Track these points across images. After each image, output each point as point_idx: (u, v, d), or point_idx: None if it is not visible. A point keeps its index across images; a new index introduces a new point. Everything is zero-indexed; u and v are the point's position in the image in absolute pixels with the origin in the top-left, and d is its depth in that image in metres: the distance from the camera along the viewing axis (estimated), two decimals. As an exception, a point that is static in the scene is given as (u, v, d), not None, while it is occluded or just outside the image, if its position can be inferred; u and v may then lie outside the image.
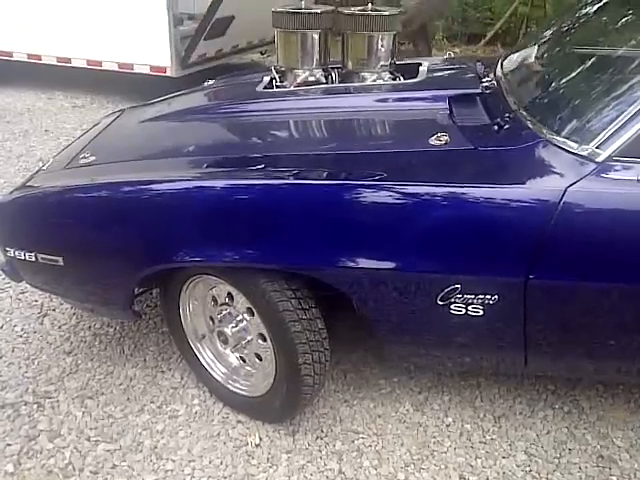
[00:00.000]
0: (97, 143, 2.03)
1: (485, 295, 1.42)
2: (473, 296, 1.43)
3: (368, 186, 1.45)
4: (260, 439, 1.73)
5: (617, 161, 1.33)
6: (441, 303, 1.45)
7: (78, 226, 1.69)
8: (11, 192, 1.84)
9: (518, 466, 1.66)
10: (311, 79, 2.19)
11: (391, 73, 2.18)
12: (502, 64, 2.01)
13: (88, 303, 1.93)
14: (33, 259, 1.71)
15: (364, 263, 1.46)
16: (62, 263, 1.68)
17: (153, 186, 1.60)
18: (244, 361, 1.78)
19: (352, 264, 1.46)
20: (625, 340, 1.50)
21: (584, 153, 1.36)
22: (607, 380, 1.90)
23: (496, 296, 1.42)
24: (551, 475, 1.63)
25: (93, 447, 1.70)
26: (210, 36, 4.50)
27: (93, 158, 1.86)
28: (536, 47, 2.15)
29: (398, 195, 1.45)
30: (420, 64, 2.20)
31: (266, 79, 2.22)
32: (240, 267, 1.55)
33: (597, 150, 1.34)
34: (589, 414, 1.82)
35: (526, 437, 1.75)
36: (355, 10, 2.14)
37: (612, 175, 1.33)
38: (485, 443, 1.73)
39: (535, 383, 1.93)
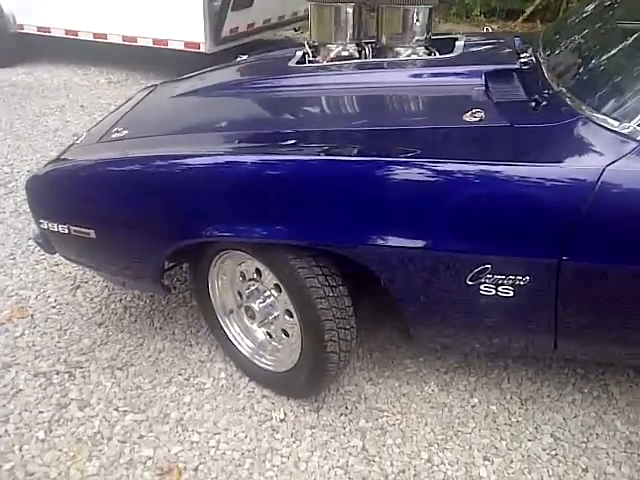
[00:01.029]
0: (129, 118, 2.04)
1: (516, 276, 1.39)
2: (504, 277, 1.40)
3: (399, 163, 1.43)
4: (285, 414, 1.74)
5: (659, 140, 1.28)
6: (470, 283, 1.43)
7: (109, 199, 1.70)
8: (45, 165, 1.87)
9: (544, 449, 1.64)
10: (344, 54, 2.15)
11: (426, 48, 2.13)
12: (541, 40, 1.94)
13: (119, 276, 1.95)
14: (66, 231, 1.74)
15: (394, 241, 1.44)
16: (94, 236, 1.70)
17: (183, 160, 1.61)
18: (270, 336, 1.79)
19: (382, 242, 1.44)
20: (660, 325, 1.46)
21: (625, 131, 1.31)
22: (638, 366, 1.85)
23: (527, 277, 1.39)
24: (577, 460, 1.61)
25: (121, 417, 1.74)
26: (237, 6, 4.45)
27: (125, 132, 1.87)
28: (576, 22, 2.08)
29: (430, 172, 1.42)
30: (456, 39, 2.15)
31: (299, 54, 2.20)
32: (268, 243, 1.55)
33: (639, 128, 1.29)
34: (619, 399, 1.79)
35: (553, 420, 1.72)
36: (390, -17, 2.10)
37: (655, 154, 1.28)
38: (511, 425, 1.71)
39: (564, 367, 1.90)
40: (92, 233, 1.70)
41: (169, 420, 1.73)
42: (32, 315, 2.14)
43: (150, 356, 1.96)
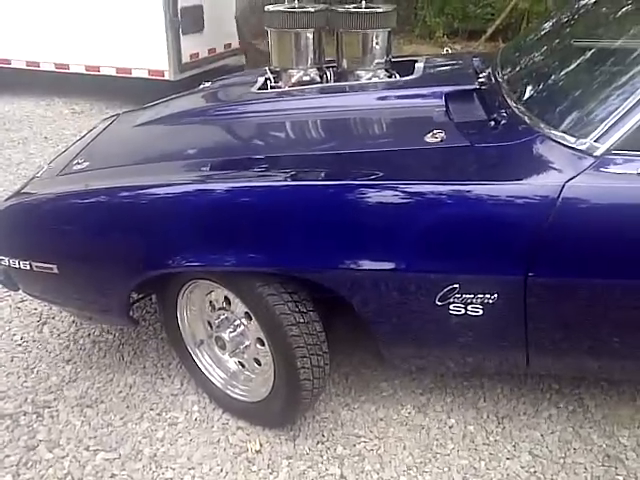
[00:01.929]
0: (91, 149, 2.01)
1: (484, 294, 1.40)
2: (472, 295, 1.40)
3: (364, 186, 1.43)
4: (260, 445, 1.71)
5: (616, 154, 1.31)
6: (440, 303, 1.43)
7: (72, 233, 1.67)
8: (5, 200, 1.83)
9: (522, 467, 1.63)
10: (306, 79, 2.17)
11: (387, 71, 2.15)
12: (499, 59, 1.98)
13: (85, 311, 1.91)
14: (28, 267, 1.69)
15: (362, 264, 1.43)
16: (57, 271, 1.66)
17: (149, 190, 1.59)
18: (243, 366, 1.76)
19: (350, 265, 1.43)
20: (628, 337, 1.47)
21: (582, 147, 1.33)
22: (612, 378, 1.87)
23: (495, 295, 1.39)
24: (556, 476, 1.60)
25: (92, 456, 1.69)
26: (187, 30, 4.46)
27: (87, 164, 1.85)
28: (533, 41, 2.13)
29: (395, 194, 1.42)
30: (416, 61, 2.18)
31: (261, 80, 2.20)
32: (237, 271, 1.53)
33: (595, 144, 1.32)
34: (594, 413, 1.79)
35: (530, 437, 1.72)
36: (349, 8, 2.12)
37: (611, 169, 1.31)
38: (489, 445, 1.70)
39: (539, 382, 1.90)
40: (55, 268, 1.66)
41: (142, 457, 1.68)
42: (-4, 355, 2.08)
43: (121, 392, 1.91)
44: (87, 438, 1.74)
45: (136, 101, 2.50)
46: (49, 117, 4.66)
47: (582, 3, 2.17)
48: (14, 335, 2.17)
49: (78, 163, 1.86)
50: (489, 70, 1.95)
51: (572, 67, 1.69)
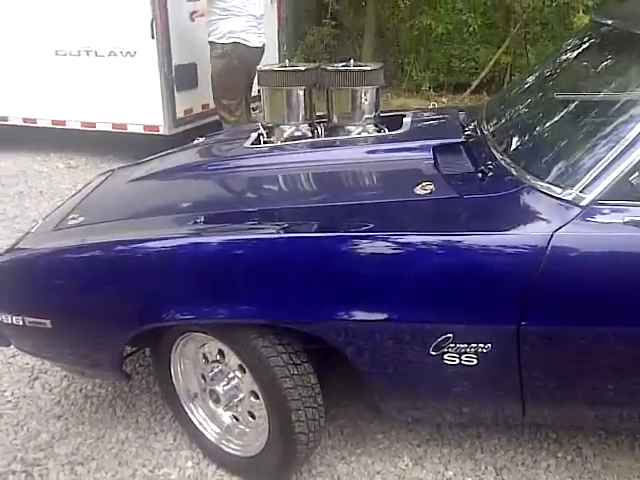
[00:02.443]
0: (86, 203, 2.04)
1: (478, 344, 1.41)
2: (466, 345, 1.41)
3: (356, 237, 1.46)
4: (255, 502, 1.67)
5: (602, 204, 1.34)
6: (434, 353, 1.43)
7: (66, 287, 1.68)
8: (0, 255, 1.84)
9: (523, 521, 1.60)
10: (297, 134, 2.22)
11: (376, 125, 2.22)
12: (484, 113, 2.05)
13: (78, 366, 1.89)
14: (20, 323, 1.69)
15: (355, 315, 1.44)
16: (50, 326, 1.65)
17: (143, 244, 1.61)
18: (237, 420, 1.74)
19: (344, 316, 1.44)
20: (624, 385, 1.47)
21: (568, 197, 1.37)
22: (609, 427, 1.85)
23: (489, 344, 1.40)
24: (558, 529, 1.58)
25: (82, 517, 1.65)
26: (182, 86, 4.57)
27: (82, 219, 1.87)
28: (516, 95, 2.20)
29: (385, 245, 1.45)
30: (404, 115, 2.24)
31: (254, 135, 2.25)
32: (230, 323, 1.54)
33: (581, 194, 1.35)
34: (593, 462, 1.77)
35: (530, 489, 1.69)
36: (338, 66, 2.20)
37: (598, 218, 1.34)
38: (488, 497, 1.68)
39: (536, 432, 1.88)
40: (48, 323, 1.65)
41: (133, 517, 1.64)
42: (-14, 412, 2.04)
43: (112, 448, 1.87)
44: (77, 498, 1.70)
45: (131, 155, 2.55)
46: (45, 172, 4.70)
47: (563, 58, 2.26)
48: (4, 391, 2.14)
49: (73, 218, 1.88)
50: (475, 123, 2.01)
51: (556, 119, 1.75)
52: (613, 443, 1.84)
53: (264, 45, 4.22)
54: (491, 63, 7.16)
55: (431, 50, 7.90)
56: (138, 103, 4.56)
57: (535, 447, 1.83)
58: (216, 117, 5.11)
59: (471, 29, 7.24)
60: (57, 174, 4.66)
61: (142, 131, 4.60)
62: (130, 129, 4.65)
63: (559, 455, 1.81)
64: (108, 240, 1.66)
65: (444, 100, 7.10)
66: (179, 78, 4.54)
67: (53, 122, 4.86)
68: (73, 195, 2.24)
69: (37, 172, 4.69)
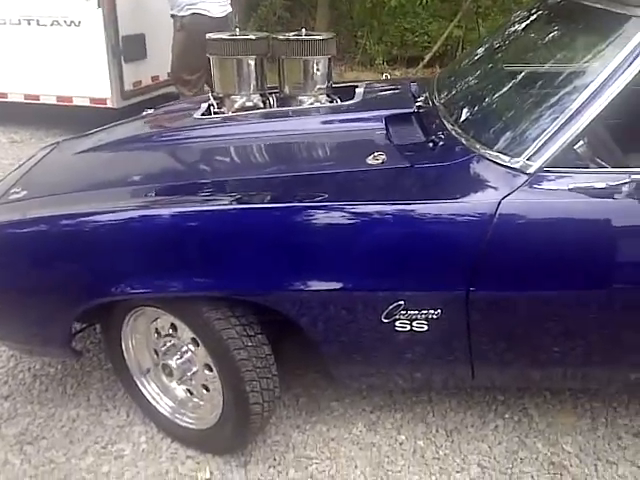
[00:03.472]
0: (29, 177, 1.96)
1: (428, 310, 1.44)
2: (417, 312, 1.44)
3: (308, 208, 1.45)
4: (211, 473, 1.67)
5: (548, 172, 1.38)
6: (386, 321, 1.45)
7: (9, 264, 1.62)
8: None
9: (472, 480, 1.66)
10: (249, 104, 2.19)
11: (328, 96, 2.20)
12: (435, 84, 2.06)
13: (26, 344, 1.84)
14: (-38, 301, 1.63)
15: (308, 285, 1.45)
16: (-6, 303, 1.60)
17: (91, 217, 1.56)
18: (191, 393, 1.73)
19: (297, 287, 1.45)
20: (568, 346, 1.53)
21: (516, 165, 1.40)
22: (554, 387, 1.93)
23: (439, 310, 1.43)
24: (505, 486, 1.64)
25: (34, 496, 1.62)
26: (130, 58, 4.43)
27: (25, 193, 1.79)
28: (467, 66, 2.22)
29: (338, 215, 1.45)
30: (356, 86, 2.24)
31: (204, 106, 2.21)
32: (183, 297, 1.52)
33: (528, 162, 1.38)
34: (538, 422, 1.85)
35: (479, 450, 1.75)
36: (289, 35, 2.17)
37: (544, 185, 1.38)
38: (438, 459, 1.72)
39: (485, 394, 1.95)
40: (-8, 300, 1.60)
41: (87, 494, 1.63)
42: None
43: (63, 426, 1.84)
44: (27, 477, 1.67)
45: (77, 130, 2.45)
46: (-14, 147, 4.52)
47: (512, 30, 2.28)
48: (-53, 373, 2.07)
49: (15, 192, 1.80)
50: (426, 94, 2.02)
51: (504, 90, 1.78)
52: (557, 403, 1.91)
53: (228, 14, 3.99)
54: (443, 37, 7.20)
55: (385, 23, 7.87)
56: (84, 75, 4.39)
57: (484, 409, 1.90)
58: (167, 90, 4.99)
59: (424, 2, 7.24)
60: (-1, 149, 4.48)
61: (89, 104, 4.45)
62: (76, 102, 4.49)
63: (506, 416, 1.87)
64: (53, 214, 1.60)
65: (397, 73, 7.12)
66: (127, 49, 4.39)
67: (-6, 95, 4.65)
68: (16, 169, 2.15)
69: (-22, 147, 4.50)
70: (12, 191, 1.81)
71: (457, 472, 1.68)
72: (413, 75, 7.01)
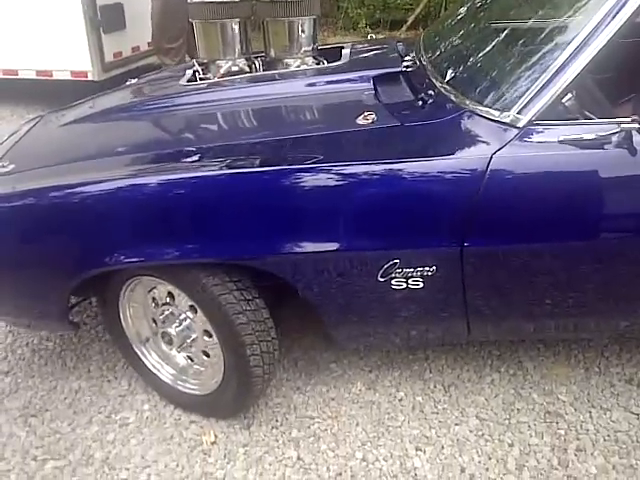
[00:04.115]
0: (16, 151, 1.93)
1: (423, 267, 1.45)
2: (412, 269, 1.45)
3: (300, 170, 1.45)
4: (215, 436, 1.70)
5: (537, 125, 1.38)
6: (382, 279, 1.47)
7: (2, 237, 1.61)
8: None
9: (471, 431, 1.70)
10: (234, 69, 2.16)
11: (314, 58, 2.18)
12: (422, 43, 2.04)
13: (23, 318, 1.84)
14: (-42, 276, 1.62)
15: (303, 247, 1.45)
16: (-11, 278, 1.60)
17: (80, 189, 1.54)
18: (191, 360, 1.75)
19: (292, 249, 1.45)
20: (560, 297, 1.56)
21: (506, 120, 1.40)
22: (548, 338, 1.97)
23: (434, 267, 1.45)
24: (503, 436, 1.68)
25: (40, 466, 1.64)
26: (109, 28, 4.35)
27: (12, 166, 1.77)
28: (452, 25, 2.20)
29: (330, 176, 1.45)
30: (342, 47, 2.21)
31: (189, 72, 2.18)
32: (178, 264, 1.52)
33: (518, 116, 1.39)
34: (533, 374, 1.89)
35: (476, 403, 1.79)
36: (273, -3, 2.13)
37: (534, 138, 1.38)
38: (437, 413, 1.76)
39: (480, 350, 1.98)
40: (-13, 275, 1.60)
41: (93, 461, 1.65)
42: None
43: (66, 398, 1.86)
44: (34, 448, 1.69)
45: (57, 104, 2.41)
46: (-35, 125, 4.43)
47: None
48: (-55, 351, 2.08)
49: (2, 166, 1.78)
50: (413, 54, 2.00)
51: (492, 47, 1.77)
52: (551, 355, 1.96)
53: None
54: (426, -1, 7.11)
55: (366, -14, 7.74)
56: (63, 48, 4.30)
57: (479, 364, 1.93)
58: (148, 61, 4.92)
59: (405, -37, 7.13)
60: (-21, 126, 4.39)
61: (69, 77, 4.37)
62: (56, 76, 4.40)
63: (502, 370, 1.91)
64: (41, 186, 1.59)
65: (380, 37, 7.02)
66: (105, 19, 4.30)
67: (-30, 71, 4.55)
68: (1, 143, 2.12)
69: (-43, 125, 4.41)
70: (-1, 165, 1.79)
71: (456, 425, 1.72)
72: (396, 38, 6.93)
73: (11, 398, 1.86)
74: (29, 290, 1.66)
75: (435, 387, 1.85)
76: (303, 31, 2.12)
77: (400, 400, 1.81)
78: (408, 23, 7.19)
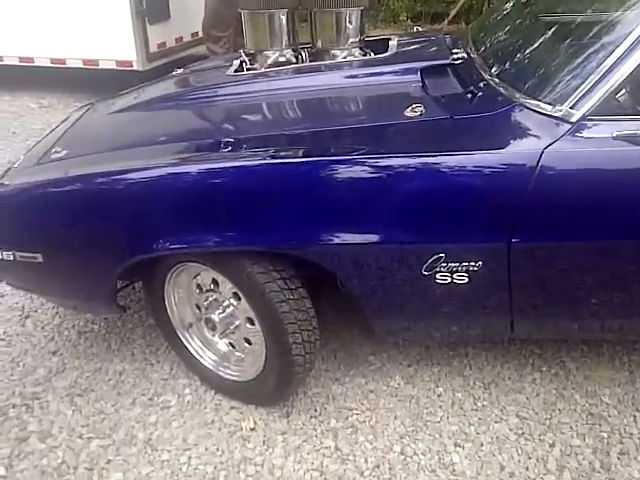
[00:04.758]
0: (68, 137, 1.98)
1: (469, 262, 1.43)
2: (457, 264, 1.44)
3: (346, 161, 1.45)
4: (255, 423, 1.72)
5: (591, 120, 1.35)
6: (426, 273, 1.46)
7: (55, 221, 1.66)
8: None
9: (511, 430, 1.68)
10: (281, 60, 2.17)
11: (361, 49, 2.17)
12: (470, 36, 2.02)
13: (71, 300, 1.90)
14: (11, 258, 1.67)
15: (347, 238, 1.45)
16: (41, 260, 1.64)
17: (128, 175, 1.58)
18: (233, 347, 1.77)
19: (335, 240, 1.45)
20: (606, 297, 1.53)
21: (558, 114, 1.37)
22: (592, 339, 1.93)
23: (480, 262, 1.43)
24: (543, 436, 1.66)
25: (86, 444, 1.68)
26: (154, 19, 4.41)
27: (65, 152, 1.82)
28: (501, 18, 2.17)
29: (377, 168, 1.44)
30: (389, 39, 2.20)
31: (236, 63, 2.20)
32: (223, 251, 1.54)
33: (571, 110, 1.36)
34: (576, 374, 1.85)
35: (517, 401, 1.77)
36: (321, -12, 2.13)
37: (587, 134, 1.35)
38: (477, 410, 1.75)
39: (522, 348, 1.96)
40: (39, 257, 1.64)
41: (136, 442, 1.68)
42: (-20, 351, 2.05)
43: (110, 380, 1.90)
44: (79, 426, 1.74)
45: (104, 93, 2.46)
46: (15, 112, 4.55)
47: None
48: (-4, 330, 2.15)
49: (56, 152, 1.84)
50: (461, 46, 1.98)
51: (542, 40, 1.73)
52: (594, 356, 1.92)
53: None
54: (469, -9, 6.99)
55: (408, -21, 7.66)
56: (109, 38, 4.38)
57: (521, 362, 1.91)
58: (190, 51, 4.97)
59: (449, -44, 7.02)
60: (29, 114, 4.51)
61: (115, 67, 4.45)
62: (102, 65, 4.49)
63: (543, 369, 1.88)
64: (91, 172, 1.63)
65: (422, 29, 6.95)
66: (151, 10, 4.36)
67: (21, 59, 4.67)
68: (54, 129, 2.18)
69: (8, 112, 4.54)
70: (53, 150, 1.85)
71: (496, 422, 1.70)
72: (438, 31, 6.85)
73: (58, 377, 1.92)
74: (79, 273, 1.71)
75: (475, 384, 1.84)
76: (350, 22, 2.11)
77: (439, 395, 1.80)
78: (450, 16, 7.07)
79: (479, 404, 1.77)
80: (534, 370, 1.88)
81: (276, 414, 1.75)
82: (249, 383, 1.74)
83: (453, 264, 1.44)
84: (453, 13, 7.10)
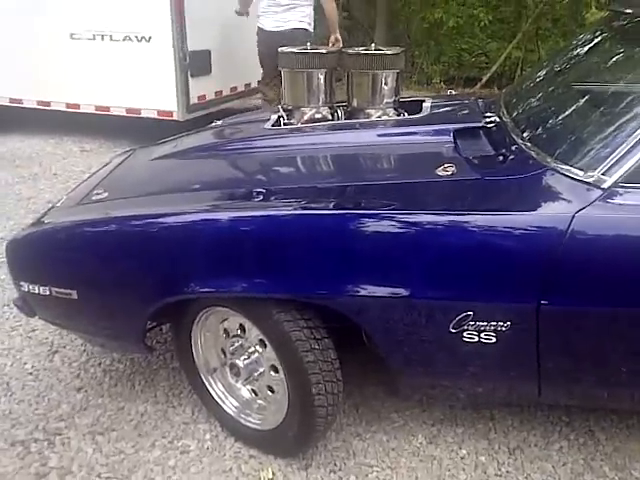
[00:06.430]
0: (109, 180, 2.07)
1: (497, 322, 1.43)
2: (486, 323, 1.44)
3: (377, 215, 1.48)
4: (273, 474, 1.70)
5: (623, 187, 1.37)
6: (454, 331, 1.46)
7: (91, 260, 1.71)
8: (23, 229, 1.87)
9: (536, 498, 1.63)
10: (318, 116, 2.25)
11: (395, 109, 2.24)
12: (502, 101, 2.07)
13: (100, 337, 1.93)
14: (47, 293, 1.72)
15: (373, 291, 1.47)
16: (76, 296, 1.69)
17: (162, 219, 1.64)
18: (256, 394, 1.77)
19: (361, 292, 1.47)
20: (636, 366, 1.50)
21: (590, 180, 1.39)
22: (621, 409, 1.88)
23: (509, 322, 1.43)
24: (570, 507, 1.61)
25: (104, 484, 1.68)
26: (196, 72, 4.61)
27: (106, 194, 1.90)
28: (535, 83, 2.22)
29: (407, 224, 1.47)
30: (423, 101, 2.26)
31: (274, 117, 2.28)
32: (251, 297, 1.57)
33: (603, 177, 1.38)
34: (605, 445, 1.80)
35: (542, 469, 1.72)
36: (359, 50, 2.22)
37: (619, 200, 1.36)
38: (500, 476, 1.70)
39: (549, 414, 1.91)
40: (74, 294, 1.69)
41: (154, 485, 1.68)
42: (8, 383, 2.08)
43: (132, 420, 1.91)
44: (99, 465, 1.74)
45: (143, 140, 2.57)
46: (58, 154, 4.74)
47: (577, 50, 2.28)
48: (25, 364, 2.18)
49: (97, 193, 1.91)
50: (493, 110, 2.03)
51: (575, 107, 1.77)
52: (624, 427, 1.86)
53: (286, 30, 4.03)
54: (502, 57, 7.17)
55: (442, 43, 7.91)
56: (152, 88, 4.59)
57: (547, 429, 1.86)
58: (228, 105, 5.17)
59: (482, 23, 7.24)
60: (71, 157, 4.69)
61: (156, 116, 4.63)
62: (144, 114, 4.68)
63: (571, 437, 1.83)
64: (127, 214, 1.69)
65: (455, 93, 7.11)
66: (193, 64, 4.57)
67: (67, 105, 4.89)
68: (96, 172, 2.27)
69: (51, 155, 4.73)
70: (94, 192, 1.92)
71: (520, 489, 1.66)
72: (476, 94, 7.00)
73: (81, 414, 1.93)
74: (111, 311, 1.75)
75: (500, 448, 1.79)
76: (386, 83, 2.19)
77: (462, 458, 1.76)
78: (483, 81, 7.26)
79: (503, 469, 1.72)
80: (561, 438, 1.83)
81: (295, 466, 1.73)
82: (270, 432, 1.73)
83: (481, 323, 1.44)
84: (486, 78, 7.28)
